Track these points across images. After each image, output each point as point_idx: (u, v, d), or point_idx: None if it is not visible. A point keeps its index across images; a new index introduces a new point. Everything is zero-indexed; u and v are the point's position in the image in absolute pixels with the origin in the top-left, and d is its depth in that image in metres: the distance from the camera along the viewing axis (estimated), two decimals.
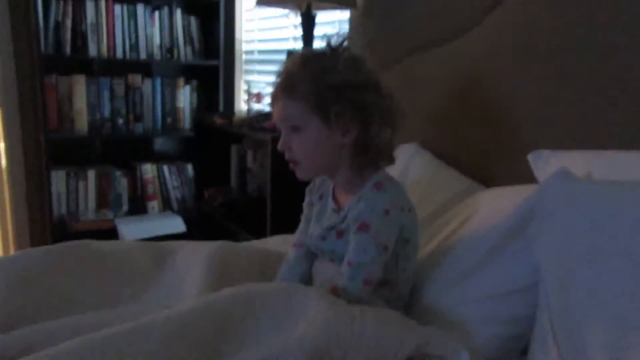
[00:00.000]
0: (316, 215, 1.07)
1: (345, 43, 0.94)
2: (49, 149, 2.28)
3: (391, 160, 0.99)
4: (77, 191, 2.44)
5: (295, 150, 0.95)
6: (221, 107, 2.64)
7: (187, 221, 2.50)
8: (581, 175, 0.90)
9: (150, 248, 1.05)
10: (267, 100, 1.98)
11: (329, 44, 0.94)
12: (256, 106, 2.13)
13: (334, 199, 1.03)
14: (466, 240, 0.99)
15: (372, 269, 0.90)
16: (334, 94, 0.90)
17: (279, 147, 0.96)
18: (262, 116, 1.87)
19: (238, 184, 2.33)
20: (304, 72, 0.91)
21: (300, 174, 0.99)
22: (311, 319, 0.74)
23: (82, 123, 2.39)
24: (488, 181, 1.23)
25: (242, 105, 2.56)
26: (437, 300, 0.95)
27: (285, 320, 0.76)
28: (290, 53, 1.63)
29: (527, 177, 1.05)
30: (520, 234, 0.87)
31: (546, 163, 1.01)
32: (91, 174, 2.46)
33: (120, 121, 2.46)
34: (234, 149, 2.34)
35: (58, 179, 2.38)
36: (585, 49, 1.04)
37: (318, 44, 1.69)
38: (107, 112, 2.44)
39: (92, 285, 0.93)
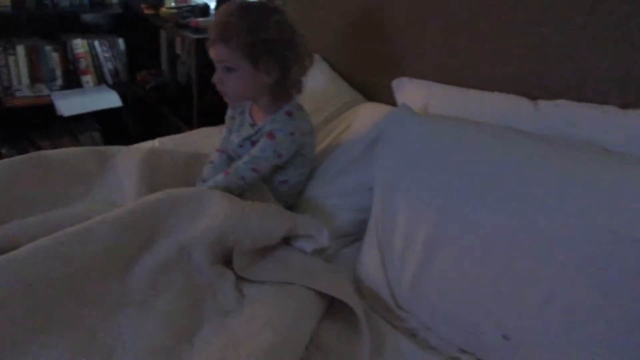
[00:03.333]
0: (236, 127, 1.35)
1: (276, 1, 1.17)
2: None
3: (300, 90, 1.27)
4: (7, 66, 2.52)
5: (226, 85, 1.20)
6: None
7: (122, 95, 2.66)
8: (423, 105, 1.20)
9: (95, 152, 1.31)
10: None
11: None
12: None
13: (251, 115, 1.31)
14: (341, 146, 1.32)
15: (263, 164, 1.21)
16: (263, 47, 1.14)
17: (214, 80, 1.21)
18: (188, 12, 1.98)
19: (169, 68, 2.48)
20: (240, 25, 1.13)
21: (229, 100, 1.28)
22: (214, 215, 1.06)
23: None
24: (373, 95, 1.51)
25: None
26: (316, 192, 1.29)
27: (197, 216, 1.08)
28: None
29: None
30: (374, 148, 1.19)
31: (403, 89, 1.30)
32: (20, 49, 2.50)
33: None
34: (163, 34, 2.44)
35: None
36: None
37: None
38: None
39: (50, 187, 1.19)
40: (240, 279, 1.06)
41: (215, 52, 1.17)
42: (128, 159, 1.30)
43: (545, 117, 1.04)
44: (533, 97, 1.09)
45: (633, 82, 0.97)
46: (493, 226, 0.91)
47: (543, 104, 1.06)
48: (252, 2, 1.17)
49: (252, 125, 1.29)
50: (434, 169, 1.00)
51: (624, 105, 0.96)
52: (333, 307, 1.03)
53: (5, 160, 1.18)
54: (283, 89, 1.21)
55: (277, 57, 1.15)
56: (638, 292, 0.78)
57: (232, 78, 1.18)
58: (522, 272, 0.87)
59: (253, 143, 1.26)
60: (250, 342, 0.86)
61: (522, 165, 0.92)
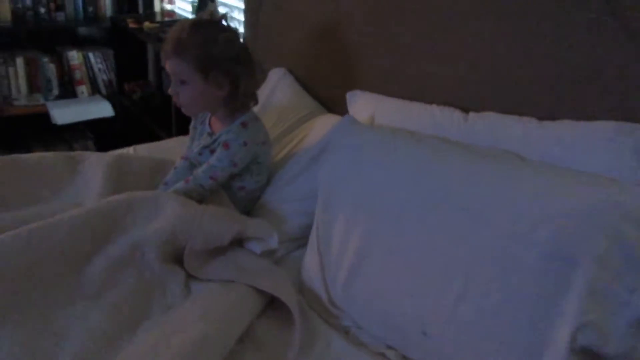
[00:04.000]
0: (197, 136, 1.44)
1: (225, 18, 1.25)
2: None
3: (256, 101, 1.36)
4: (7, 76, 2.65)
5: (181, 97, 1.29)
6: (140, 4, 2.76)
7: (115, 106, 2.77)
8: (370, 116, 1.28)
9: (65, 157, 1.39)
10: (179, 1, 2.19)
11: (212, 17, 1.24)
12: (168, 7, 2.32)
13: (210, 125, 1.39)
14: (296, 155, 1.39)
15: (219, 173, 1.29)
16: (213, 61, 1.23)
17: (169, 92, 1.30)
18: (169, 27, 2.08)
19: (156, 80, 2.59)
20: (192, 40, 1.22)
21: (185, 112, 1.36)
22: (168, 216, 1.14)
23: (5, 12, 2.51)
24: (333, 107, 1.58)
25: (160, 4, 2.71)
26: (270, 198, 1.36)
27: (152, 216, 1.15)
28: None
29: None
30: (321, 157, 1.26)
31: (356, 101, 1.38)
32: (19, 61, 2.64)
33: (42, 10, 2.59)
34: (150, 47, 2.56)
35: None
36: (412, 16, 1.30)
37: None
38: (28, 1, 2.55)
39: (20, 189, 1.28)
40: (190, 276, 1.14)
41: (169, 66, 1.25)
42: (97, 164, 1.38)
43: (473, 128, 1.10)
44: (467, 109, 1.16)
45: (554, 93, 1.04)
46: (416, 233, 0.97)
47: (472, 115, 1.13)
48: (204, 20, 1.26)
49: (210, 134, 1.37)
50: (368, 177, 1.07)
51: (542, 118, 1.03)
52: (273, 305, 1.10)
53: None
54: (236, 101, 1.29)
55: (227, 71, 1.23)
56: (535, 293, 0.83)
57: (186, 90, 1.26)
58: (438, 275, 0.93)
59: (211, 151, 1.34)
60: (184, 332, 0.93)
61: (447, 173, 0.99)
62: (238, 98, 1.28)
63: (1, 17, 2.51)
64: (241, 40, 1.26)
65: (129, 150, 1.67)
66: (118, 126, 2.78)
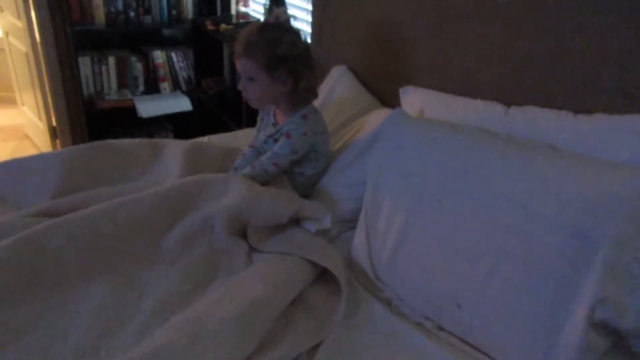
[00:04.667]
0: (263, 126, 1.60)
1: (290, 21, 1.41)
2: (75, 38, 2.74)
3: (315, 96, 1.50)
4: (101, 74, 2.96)
5: (249, 92, 1.45)
6: (218, 7, 2.99)
7: (193, 101, 3.02)
8: (420, 110, 1.37)
9: (148, 143, 1.60)
10: (252, 3, 2.37)
11: (278, 20, 1.40)
12: (243, 9, 2.51)
13: (274, 117, 1.55)
14: (349, 145, 1.51)
15: (281, 159, 1.44)
16: (278, 60, 1.38)
17: (239, 87, 1.46)
18: (241, 28, 2.27)
19: (230, 77, 2.80)
20: (259, 41, 1.38)
21: (252, 105, 1.53)
22: (235, 195, 1.30)
23: (100, 16, 2.81)
24: (388, 101, 1.69)
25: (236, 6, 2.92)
26: (326, 183, 1.49)
27: (221, 195, 1.32)
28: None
29: None
30: (372, 147, 1.37)
31: (408, 96, 1.48)
32: (111, 60, 2.94)
33: (132, 14, 2.87)
34: (225, 46, 2.77)
35: (85, 64, 2.88)
36: (464, 16, 1.39)
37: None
38: (120, 6, 2.84)
39: (112, 169, 1.50)
40: (251, 249, 1.29)
41: (240, 64, 1.41)
42: (176, 150, 1.57)
43: (513, 120, 1.17)
44: (509, 104, 1.23)
45: (586, 91, 1.09)
46: (452, 216, 1.06)
47: (513, 109, 1.20)
48: (270, 23, 1.41)
49: (274, 125, 1.52)
50: (414, 164, 1.17)
51: (576, 111, 1.09)
52: (324, 277, 1.23)
53: (81, 145, 1.50)
54: (298, 96, 1.43)
55: (290, 69, 1.37)
56: (558, 270, 0.90)
57: (253, 86, 1.42)
58: (471, 254, 1.02)
59: (275, 140, 1.49)
60: (245, 291, 1.08)
61: (486, 161, 1.07)
62: (299, 93, 1.42)
63: (96, 20, 2.81)
64: (304, 40, 1.39)
65: (204, 139, 1.86)
66: (195, 119, 3.03)
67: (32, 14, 2.85)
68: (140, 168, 1.54)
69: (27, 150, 3.55)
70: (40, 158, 1.48)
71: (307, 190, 1.53)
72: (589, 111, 1.08)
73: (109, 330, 1.03)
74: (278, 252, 1.25)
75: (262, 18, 2.46)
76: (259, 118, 1.65)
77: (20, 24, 2.97)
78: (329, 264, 1.19)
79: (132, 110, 2.94)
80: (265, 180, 1.44)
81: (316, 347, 1.03)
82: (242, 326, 0.99)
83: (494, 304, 0.99)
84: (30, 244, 1.11)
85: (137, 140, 1.60)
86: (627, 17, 1.01)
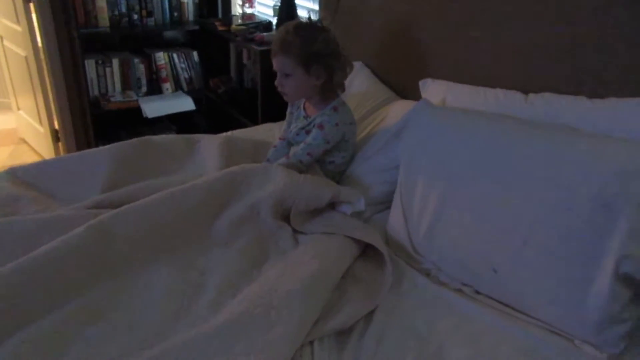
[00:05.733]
0: (294, 119, 1.71)
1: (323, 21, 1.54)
2: (80, 42, 2.79)
3: (343, 89, 1.62)
4: (105, 76, 3.01)
5: (286, 87, 1.56)
6: (219, 9, 3.08)
7: (195, 100, 3.09)
8: (441, 99, 1.51)
9: (184, 138, 1.70)
10: (257, 5, 2.48)
11: (311, 20, 1.50)
12: (249, 10, 2.61)
13: (305, 110, 1.66)
14: (377, 133, 1.64)
15: (315, 149, 1.55)
16: (314, 57, 1.49)
17: (276, 83, 1.57)
18: (254, 28, 2.37)
19: (236, 75, 2.89)
20: (296, 40, 1.48)
21: (287, 99, 1.65)
22: (277, 182, 1.41)
23: (104, 19, 2.87)
24: (404, 93, 1.82)
25: (237, 8, 3.01)
26: (356, 170, 1.62)
27: (264, 183, 1.42)
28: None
29: None
30: (401, 134, 1.50)
31: (428, 88, 1.61)
32: (115, 62, 3.00)
33: (135, 16, 2.94)
34: (232, 46, 2.86)
35: (90, 67, 2.93)
36: (480, 15, 1.53)
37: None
38: (123, 9, 2.90)
39: (153, 163, 1.59)
40: (295, 232, 1.40)
41: (276, 62, 1.52)
42: (210, 143, 1.67)
43: (532, 106, 1.32)
44: (526, 91, 1.38)
45: (600, 78, 1.24)
46: (487, 192, 1.20)
47: (532, 96, 1.34)
48: (305, 22, 1.52)
49: (306, 117, 1.64)
50: (445, 148, 1.30)
51: (592, 96, 1.24)
52: (366, 252, 1.35)
53: (127, 141, 1.59)
54: (329, 89, 1.55)
55: (324, 65, 1.49)
56: (586, 235, 1.04)
57: (290, 82, 1.53)
58: (506, 225, 1.15)
59: (307, 132, 1.60)
60: (302, 267, 1.19)
61: (512, 143, 1.20)
62: (331, 87, 1.54)
63: (101, 23, 2.87)
64: (335, 38, 1.51)
65: (228, 134, 1.96)
66: (197, 118, 3.10)
67: (34, 18, 2.89)
68: (177, 162, 1.64)
69: (25, 154, 3.57)
70: (87, 155, 1.56)
71: (336, 177, 1.64)
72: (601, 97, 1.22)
73: (183, 307, 1.13)
74: (321, 233, 1.37)
75: (271, 19, 2.56)
76: (288, 112, 1.76)
77: (20, 28, 3.00)
78: (371, 239, 1.31)
79: (135, 111, 2.99)
80: (300, 169, 1.55)
81: (371, 312, 1.15)
82: (307, 296, 1.11)
83: (529, 268, 1.12)
84: (101, 232, 1.20)
85: (173, 136, 1.69)
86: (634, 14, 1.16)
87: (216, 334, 0.99)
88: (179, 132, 3.27)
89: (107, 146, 1.58)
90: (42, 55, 2.98)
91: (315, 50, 1.47)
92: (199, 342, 0.97)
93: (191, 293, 1.17)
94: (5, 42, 3.38)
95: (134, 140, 1.62)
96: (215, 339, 0.98)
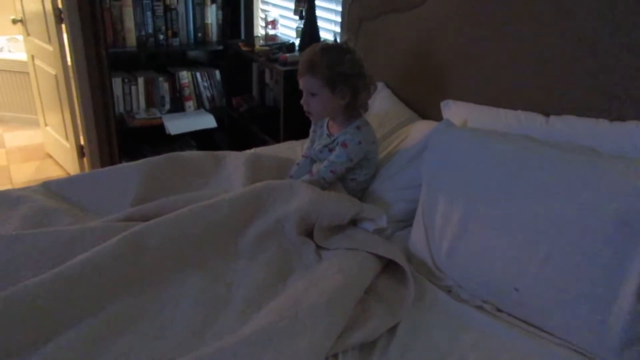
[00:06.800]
0: (317, 137, 1.76)
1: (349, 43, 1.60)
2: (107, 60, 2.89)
3: (367, 109, 1.66)
4: (130, 94, 3.10)
5: (311, 107, 1.61)
6: (242, 31, 3.17)
7: (216, 118, 3.17)
8: (462, 120, 1.54)
9: (211, 155, 1.76)
10: (279, 27, 2.55)
11: (337, 41, 1.56)
12: (272, 32, 2.69)
13: (328, 128, 1.71)
14: (399, 152, 1.67)
15: (338, 167, 1.59)
16: (340, 78, 1.54)
17: (302, 102, 1.62)
18: (278, 48, 2.44)
19: (258, 95, 2.96)
20: (322, 61, 1.54)
21: (313, 119, 1.70)
22: (301, 198, 1.44)
23: (131, 39, 2.97)
24: (425, 114, 1.86)
25: (259, 30, 3.10)
26: (378, 188, 1.65)
27: (289, 199, 1.46)
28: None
29: None
30: (422, 153, 1.53)
31: (449, 109, 1.64)
32: (140, 80, 3.09)
33: (161, 37, 3.03)
34: (255, 66, 2.94)
35: (116, 85, 3.03)
36: (500, 33, 1.56)
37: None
38: (150, 29, 3.00)
39: (182, 178, 1.64)
40: (318, 247, 1.43)
41: (303, 82, 1.57)
42: (235, 160, 1.72)
43: (553, 128, 1.34)
44: (547, 113, 1.41)
45: (619, 102, 1.27)
46: (509, 211, 1.22)
47: (552, 118, 1.37)
48: (331, 44, 1.57)
49: (329, 136, 1.68)
50: (466, 167, 1.33)
51: (613, 119, 1.26)
52: (388, 268, 1.37)
53: (156, 157, 1.64)
54: (353, 109, 1.60)
55: (350, 85, 1.54)
56: (608, 254, 1.06)
57: (316, 101, 1.58)
58: (528, 243, 1.17)
59: (330, 150, 1.64)
60: (326, 281, 1.22)
61: (533, 163, 1.23)
62: (355, 106, 1.58)
63: (128, 43, 2.97)
64: (360, 59, 1.56)
65: (252, 151, 2.01)
66: (217, 136, 3.17)
67: (65, 38, 3.00)
68: (204, 178, 1.69)
69: (51, 169, 3.67)
70: (117, 170, 1.62)
71: (358, 194, 1.68)
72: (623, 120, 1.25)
73: (210, 317, 1.16)
74: (344, 249, 1.40)
75: (294, 40, 2.63)
76: (311, 130, 1.80)
77: (51, 47, 3.12)
78: (393, 255, 1.33)
79: (158, 127, 3.08)
80: (322, 186, 1.59)
81: (394, 327, 1.17)
82: (332, 310, 1.13)
83: (550, 286, 1.13)
84: (132, 244, 1.25)
85: (201, 153, 1.75)
86: None
87: (244, 344, 1.02)
88: (199, 149, 3.34)
89: (137, 161, 1.64)
90: (71, 74, 3.09)
91: (341, 71, 1.52)
92: (227, 353, 1.00)
93: (219, 305, 1.21)
94: (37, 61, 3.50)
95: (163, 156, 1.67)
96: (243, 349, 1.01)
